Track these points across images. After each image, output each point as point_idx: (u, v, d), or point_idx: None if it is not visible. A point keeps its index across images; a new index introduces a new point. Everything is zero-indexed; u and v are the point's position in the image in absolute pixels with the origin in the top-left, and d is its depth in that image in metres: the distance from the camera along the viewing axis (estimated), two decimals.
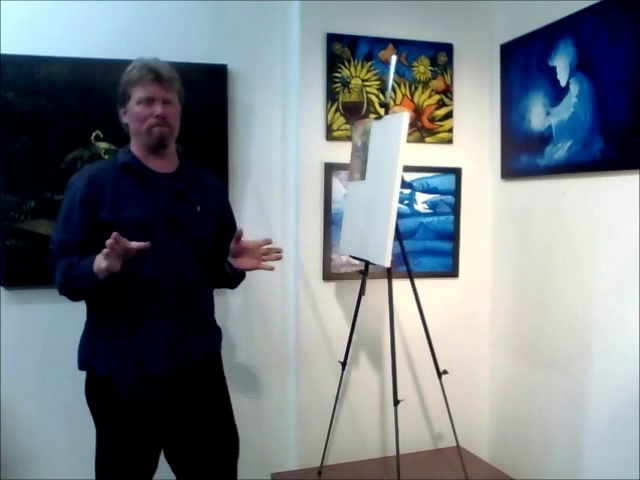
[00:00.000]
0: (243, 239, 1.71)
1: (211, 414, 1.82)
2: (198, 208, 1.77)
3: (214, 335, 1.89)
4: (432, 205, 2.48)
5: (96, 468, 1.77)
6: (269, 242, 1.73)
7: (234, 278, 1.85)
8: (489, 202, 2.58)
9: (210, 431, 1.81)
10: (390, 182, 1.88)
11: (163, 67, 1.72)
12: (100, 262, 1.53)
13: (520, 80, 2.34)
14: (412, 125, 2.40)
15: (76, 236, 1.68)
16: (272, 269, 1.73)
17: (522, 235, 2.40)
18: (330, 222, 2.35)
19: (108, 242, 1.46)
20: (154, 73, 1.68)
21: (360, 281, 2.09)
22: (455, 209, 2.51)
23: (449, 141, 2.50)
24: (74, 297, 1.71)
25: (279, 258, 1.75)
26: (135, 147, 1.76)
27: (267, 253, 1.74)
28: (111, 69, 2.17)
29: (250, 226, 2.36)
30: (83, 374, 1.76)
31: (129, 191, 1.70)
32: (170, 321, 1.70)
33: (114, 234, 1.47)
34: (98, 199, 1.68)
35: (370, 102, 2.39)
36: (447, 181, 2.50)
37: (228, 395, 1.90)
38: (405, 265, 2.11)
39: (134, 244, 1.51)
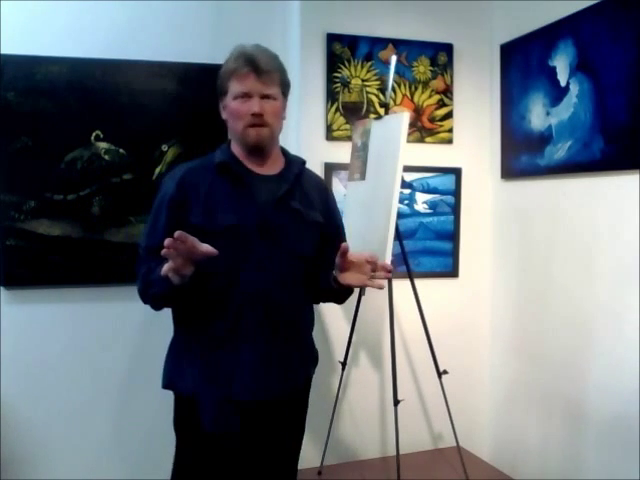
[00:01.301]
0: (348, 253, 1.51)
1: (287, 452, 1.67)
2: (301, 217, 1.58)
3: (310, 358, 1.73)
4: (432, 205, 2.48)
5: None
6: (375, 259, 1.51)
7: (340, 293, 1.64)
8: (489, 202, 2.58)
9: (277, 472, 1.65)
10: (390, 182, 1.89)
11: (263, 56, 1.52)
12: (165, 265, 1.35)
13: (520, 80, 2.34)
14: (412, 125, 2.40)
15: (162, 240, 1.39)
16: (382, 288, 1.51)
17: (522, 235, 2.40)
18: None
19: (166, 242, 1.28)
20: (251, 64, 1.49)
21: None
22: (455, 209, 2.51)
23: (449, 141, 2.50)
24: (155, 305, 1.54)
25: (388, 277, 1.58)
26: (234, 146, 1.60)
27: (375, 270, 1.52)
28: (111, 69, 2.18)
29: None
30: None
31: (224, 194, 1.53)
32: (263, 342, 1.53)
33: (177, 233, 1.28)
34: (189, 201, 1.51)
35: (370, 102, 2.39)
36: (447, 181, 2.50)
37: (304, 429, 1.73)
38: (405, 265, 2.11)
39: (203, 247, 1.32)
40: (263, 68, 1.50)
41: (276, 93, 1.54)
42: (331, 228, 1.70)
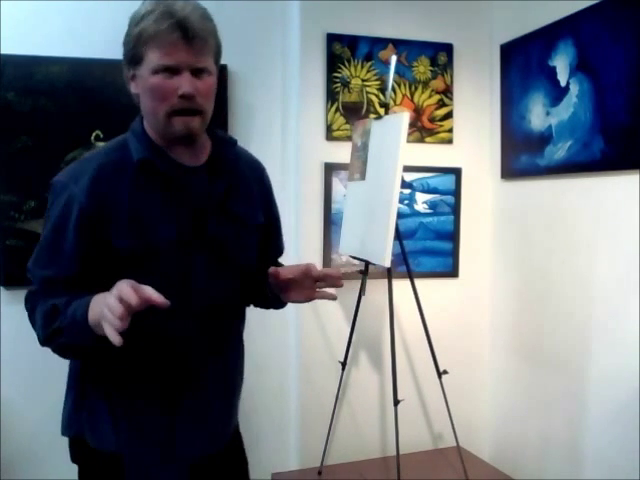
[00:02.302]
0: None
1: None
2: (242, 222, 1.31)
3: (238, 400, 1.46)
4: (432, 205, 2.48)
5: None
6: (309, 271, 1.25)
7: (277, 303, 1.39)
8: (489, 202, 2.58)
9: None
10: (390, 182, 1.88)
11: (195, 15, 1.12)
12: (102, 313, 0.97)
13: (520, 80, 2.34)
14: (412, 125, 2.40)
15: (69, 269, 1.14)
16: (334, 299, 1.27)
17: (522, 235, 2.39)
18: (330, 222, 2.35)
19: (125, 293, 0.93)
20: (180, 27, 1.10)
21: (360, 281, 2.09)
22: (455, 209, 2.51)
23: (449, 141, 2.50)
24: (63, 354, 1.21)
25: (339, 285, 1.25)
26: (151, 130, 1.22)
27: (322, 279, 1.25)
28: (111, 69, 2.18)
29: None
30: None
31: (152, 201, 1.18)
32: (208, 383, 1.28)
33: (132, 284, 0.96)
34: (107, 215, 1.14)
35: (370, 102, 2.39)
36: (447, 181, 2.49)
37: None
38: (405, 265, 2.11)
39: (158, 299, 0.96)
40: (197, 33, 1.11)
41: (211, 65, 1.17)
42: (271, 227, 1.45)
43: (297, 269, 1.26)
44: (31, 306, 1.19)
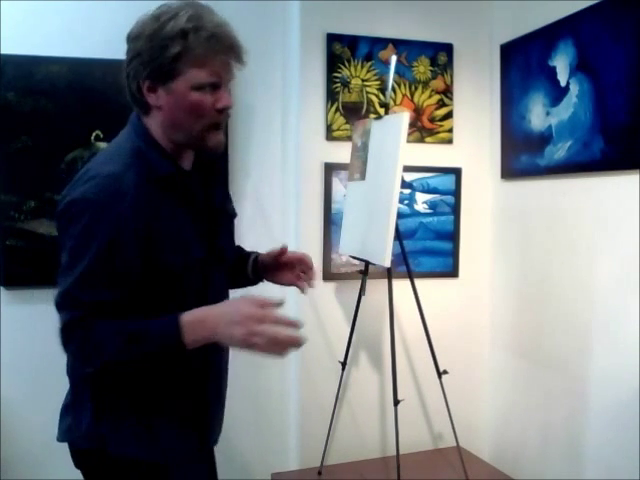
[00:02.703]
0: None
1: None
2: (229, 219, 1.41)
3: None
4: (432, 205, 2.48)
5: None
6: (307, 261, 1.42)
7: (248, 283, 1.51)
8: (489, 202, 2.58)
9: None
10: (390, 182, 1.88)
11: (233, 32, 1.17)
12: (226, 335, 1.08)
13: (520, 80, 2.34)
14: (412, 125, 2.40)
15: (128, 290, 1.12)
16: (304, 291, 1.42)
17: (522, 235, 2.39)
18: (330, 222, 2.35)
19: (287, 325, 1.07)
20: (235, 52, 1.15)
21: (360, 281, 2.09)
22: (455, 209, 2.51)
23: (449, 141, 2.50)
24: (122, 369, 1.16)
25: (312, 286, 1.43)
26: (162, 139, 1.21)
27: (305, 272, 1.42)
28: (111, 69, 2.17)
29: (250, 226, 2.37)
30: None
31: (183, 217, 1.20)
32: (222, 373, 1.38)
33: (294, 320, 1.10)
34: (154, 232, 1.13)
35: (370, 102, 2.39)
36: (447, 181, 2.49)
37: None
38: (405, 265, 2.11)
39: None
40: (243, 54, 1.17)
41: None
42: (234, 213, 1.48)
43: (294, 254, 1.42)
44: (78, 335, 1.14)
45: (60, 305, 1.16)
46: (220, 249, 1.29)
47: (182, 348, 1.08)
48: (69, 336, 1.16)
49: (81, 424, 1.26)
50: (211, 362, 1.31)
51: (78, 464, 1.30)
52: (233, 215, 1.43)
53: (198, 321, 1.10)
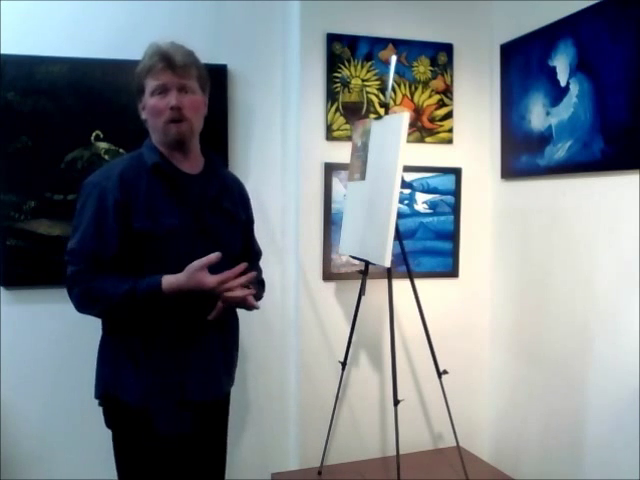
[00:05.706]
0: None
1: (223, 453, 1.81)
2: (231, 216, 1.67)
3: (237, 359, 1.79)
4: (432, 205, 2.48)
5: None
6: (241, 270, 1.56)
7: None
8: (489, 202, 2.58)
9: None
10: (390, 182, 1.88)
11: (178, 52, 1.53)
12: (196, 282, 1.45)
13: (520, 80, 2.34)
14: (412, 125, 2.40)
15: (112, 248, 1.48)
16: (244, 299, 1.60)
17: (522, 235, 2.40)
18: (330, 222, 2.35)
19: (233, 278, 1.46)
20: (166, 60, 1.51)
21: (360, 281, 2.09)
22: (455, 209, 2.51)
23: (449, 141, 2.50)
24: (118, 315, 1.53)
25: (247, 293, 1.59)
26: (158, 144, 1.60)
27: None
28: (111, 69, 2.18)
29: None
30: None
31: (162, 196, 1.53)
32: (209, 341, 1.59)
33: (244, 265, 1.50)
34: (131, 204, 1.49)
35: (370, 102, 2.39)
36: (447, 181, 2.49)
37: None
38: (405, 265, 2.11)
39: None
40: (178, 63, 1.51)
41: (194, 86, 1.56)
42: (249, 224, 1.83)
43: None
44: (80, 284, 1.49)
45: (68, 260, 1.52)
46: (208, 227, 1.58)
47: (162, 294, 1.44)
48: (73, 284, 1.50)
49: (98, 375, 1.60)
50: (194, 324, 1.55)
51: (105, 420, 1.60)
52: (238, 217, 1.72)
53: (174, 277, 1.46)
